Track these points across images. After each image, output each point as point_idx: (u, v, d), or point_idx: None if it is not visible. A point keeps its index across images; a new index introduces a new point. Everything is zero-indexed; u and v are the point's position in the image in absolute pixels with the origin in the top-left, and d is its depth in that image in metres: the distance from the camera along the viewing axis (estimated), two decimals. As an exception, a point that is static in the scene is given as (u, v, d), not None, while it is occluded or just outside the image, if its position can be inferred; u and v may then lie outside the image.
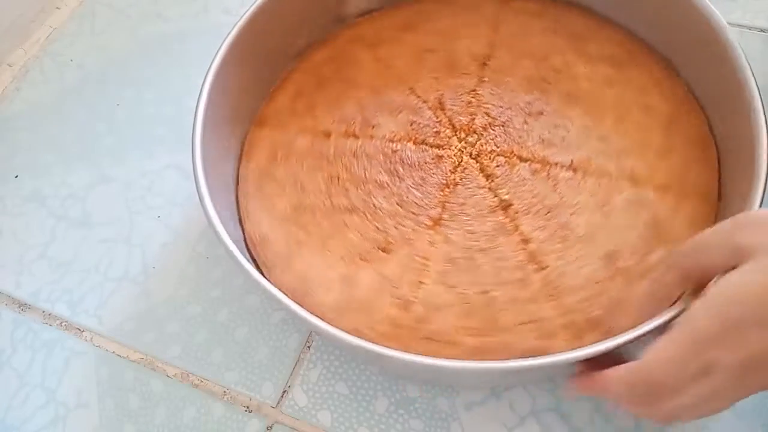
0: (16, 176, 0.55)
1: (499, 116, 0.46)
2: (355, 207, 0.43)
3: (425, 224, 0.42)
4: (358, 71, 0.50)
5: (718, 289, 0.26)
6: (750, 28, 0.55)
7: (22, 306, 0.49)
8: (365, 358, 0.43)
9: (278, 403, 0.43)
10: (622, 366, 0.30)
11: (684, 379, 0.28)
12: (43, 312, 0.48)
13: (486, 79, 0.48)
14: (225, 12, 0.62)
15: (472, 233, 0.41)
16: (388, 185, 0.44)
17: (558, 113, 0.45)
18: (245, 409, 0.43)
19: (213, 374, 0.44)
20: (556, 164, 0.43)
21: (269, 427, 0.42)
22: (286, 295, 0.36)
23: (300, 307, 0.36)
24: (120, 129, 0.56)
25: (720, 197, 0.42)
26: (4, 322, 0.48)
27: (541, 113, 0.45)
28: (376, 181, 0.44)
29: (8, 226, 0.52)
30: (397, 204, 0.43)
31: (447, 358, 0.34)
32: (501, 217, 0.42)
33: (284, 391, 0.43)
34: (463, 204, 0.43)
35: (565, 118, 0.45)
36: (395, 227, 0.42)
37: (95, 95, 0.58)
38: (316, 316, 0.36)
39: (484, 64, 0.48)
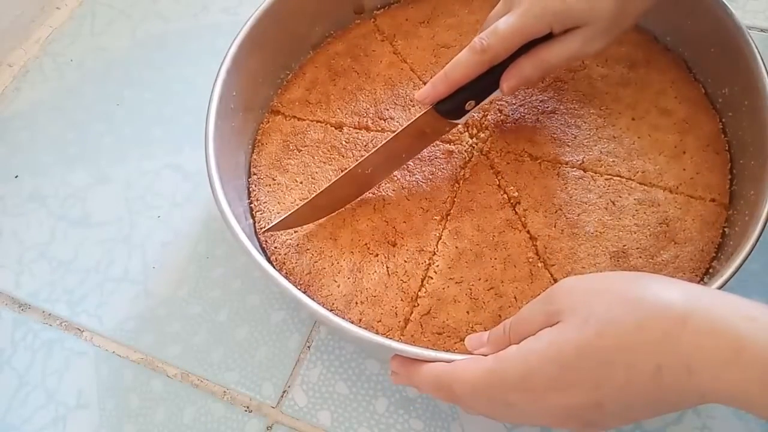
0: (16, 176, 0.55)
1: (512, 113, 0.46)
2: (364, 200, 0.43)
3: (434, 218, 0.42)
4: (374, 64, 0.50)
5: (531, 344, 0.29)
6: (750, 28, 0.54)
7: (22, 306, 0.49)
8: (370, 351, 0.43)
9: (278, 403, 0.43)
10: (432, 367, 0.32)
11: (479, 405, 0.31)
12: (43, 312, 0.48)
13: None
14: (224, 11, 0.62)
15: (480, 229, 0.42)
16: (398, 179, 0.44)
17: (571, 112, 0.45)
18: (245, 409, 0.43)
19: (213, 374, 0.44)
20: (567, 163, 0.43)
21: (269, 427, 0.42)
22: (298, 288, 0.37)
23: (310, 299, 0.36)
24: (120, 129, 0.56)
25: (731, 200, 0.41)
26: (4, 322, 0.48)
27: (554, 112, 0.45)
28: None
29: (8, 226, 0.52)
30: (407, 198, 0.43)
31: (456, 353, 0.34)
32: (510, 214, 0.42)
33: (284, 391, 0.43)
34: (472, 200, 0.43)
35: (577, 118, 0.45)
36: (404, 221, 0.42)
37: (95, 95, 0.58)
38: (325, 307, 0.35)
39: None
